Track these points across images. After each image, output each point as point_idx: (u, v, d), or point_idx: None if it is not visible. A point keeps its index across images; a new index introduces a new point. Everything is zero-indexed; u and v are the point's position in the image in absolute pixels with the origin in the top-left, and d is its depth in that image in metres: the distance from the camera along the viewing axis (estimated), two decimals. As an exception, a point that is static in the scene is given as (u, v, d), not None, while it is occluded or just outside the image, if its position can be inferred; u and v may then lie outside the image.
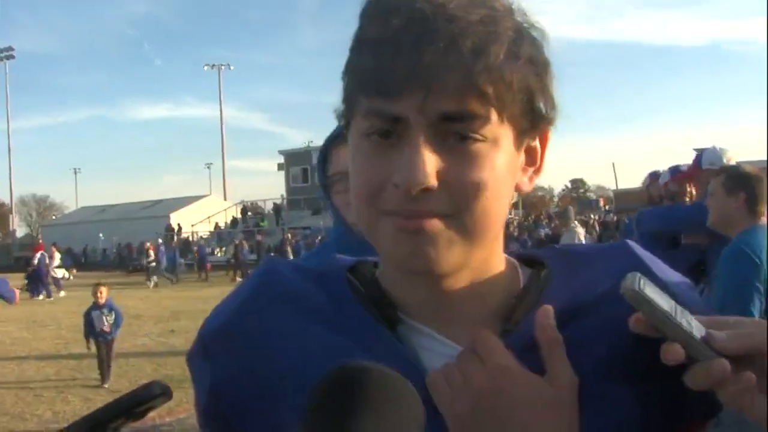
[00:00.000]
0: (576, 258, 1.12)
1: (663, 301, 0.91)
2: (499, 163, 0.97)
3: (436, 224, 0.96)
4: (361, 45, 0.98)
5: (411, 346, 1.04)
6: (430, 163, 0.93)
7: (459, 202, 0.96)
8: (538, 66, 0.99)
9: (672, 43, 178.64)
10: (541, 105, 1.00)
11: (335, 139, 2.65)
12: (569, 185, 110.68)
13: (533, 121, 1.01)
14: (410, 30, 0.92)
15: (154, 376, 10.70)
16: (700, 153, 6.08)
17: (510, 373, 0.96)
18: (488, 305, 1.06)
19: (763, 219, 4.56)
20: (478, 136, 0.95)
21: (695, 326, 0.91)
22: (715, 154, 6.00)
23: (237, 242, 42.84)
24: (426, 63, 0.91)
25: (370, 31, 0.97)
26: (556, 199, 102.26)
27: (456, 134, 0.95)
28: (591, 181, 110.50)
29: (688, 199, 7.05)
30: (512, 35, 0.95)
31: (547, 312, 0.99)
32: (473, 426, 0.95)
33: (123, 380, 10.80)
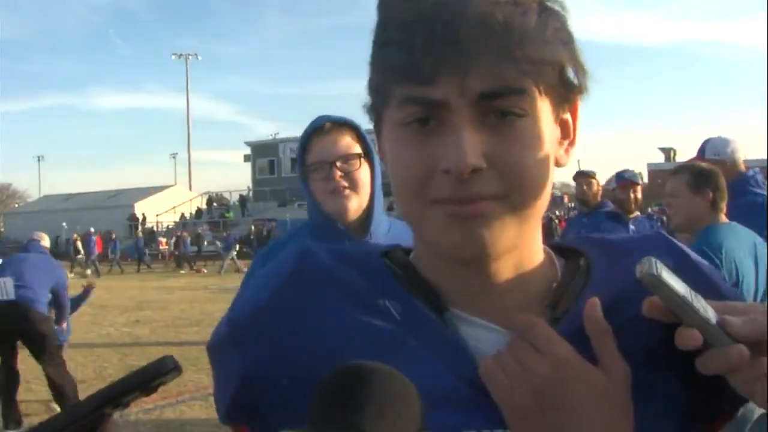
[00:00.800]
0: (614, 248, 1.10)
1: (679, 286, 0.90)
2: (542, 138, 0.97)
3: (489, 206, 0.94)
4: (388, 33, 0.97)
5: (460, 335, 1.00)
6: (477, 144, 0.92)
7: (509, 180, 0.94)
8: (566, 35, 0.98)
9: (637, 44, 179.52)
10: (572, 74, 1.00)
11: (315, 130, 2.66)
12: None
13: (567, 92, 1.00)
14: (440, 12, 0.91)
15: (119, 366, 10.65)
16: (706, 142, 5.81)
17: (569, 364, 0.94)
18: (531, 293, 1.04)
19: (722, 215, 4.58)
20: (519, 110, 0.94)
21: (710, 312, 0.91)
22: (720, 144, 5.73)
23: (179, 234, 42.37)
24: (461, 43, 0.90)
25: (397, 18, 0.95)
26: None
27: (497, 112, 0.93)
28: (555, 177, 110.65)
29: (633, 206, 7.08)
30: (537, 7, 0.95)
31: (596, 303, 0.98)
32: (535, 418, 0.93)
33: (88, 370, 10.73)
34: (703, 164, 4.94)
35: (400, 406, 0.77)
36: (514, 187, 0.95)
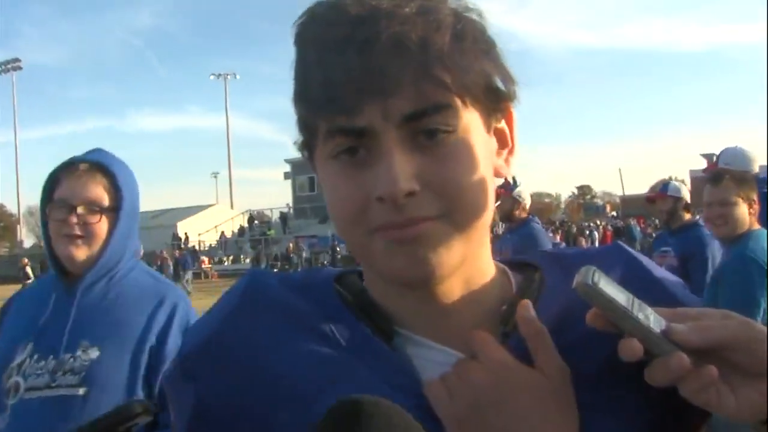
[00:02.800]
0: (569, 261, 1.08)
1: (620, 295, 0.88)
2: (475, 151, 0.95)
3: (430, 227, 0.93)
4: (305, 67, 0.96)
5: (407, 357, 1.00)
6: (408, 167, 0.91)
7: (447, 200, 0.93)
8: (486, 45, 0.97)
9: (675, 49, 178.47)
10: (499, 83, 0.98)
11: (68, 167, 2.56)
12: (576, 191, 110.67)
13: (495, 101, 0.99)
14: (351, 37, 0.90)
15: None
16: (722, 151, 5.92)
17: (505, 368, 0.94)
18: (483, 311, 1.03)
19: (755, 221, 4.63)
20: (447, 128, 0.93)
21: (654, 320, 0.88)
22: (735, 153, 5.83)
23: (159, 253, 42.12)
24: (377, 67, 0.89)
25: (311, 51, 0.95)
26: (563, 206, 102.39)
27: (425, 132, 0.92)
28: (597, 187, 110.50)
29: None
30: (452, 20, 0.93)
31: (527, 305, 0.98)
32: (477, 426, 0.93)
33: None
34: (740, 171, 5.02)
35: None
36: (454, 206, 0.94)
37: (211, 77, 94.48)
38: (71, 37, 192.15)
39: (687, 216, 6.82)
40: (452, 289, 1.01)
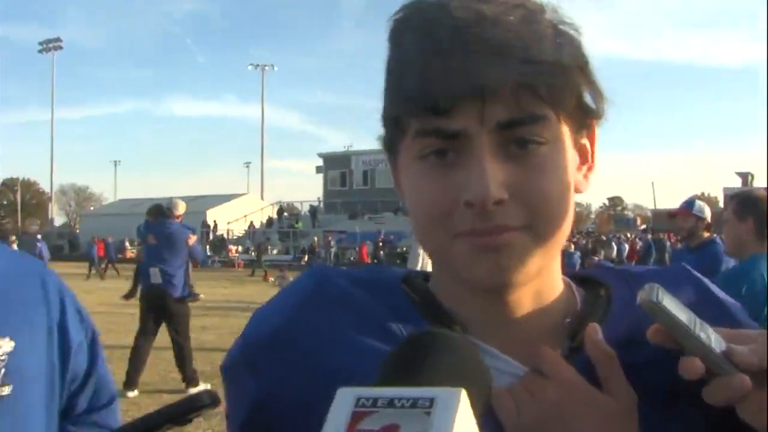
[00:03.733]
0: (636, 279, 1.08)
1: (682, 314, 0.88)
2: (563, 165, 0.96)
3: (514, 237, 0.93)
4: (403, 63, 0.95)
5: None
6: (499, 174, 0.91)
7: (532, 211, 0.94)
8: (581, 60, 0.97)
9: (714, 65, 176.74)
10: (589, 99, 0.99)
11: None
12: (607, 202, 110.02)
13: (584, 117, 1.00)
14: (457, 40, 0.90)
15: (176, 372, 10.69)
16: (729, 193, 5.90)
17: (574, 387, 0.93)
18: (550, 324, 1.03)
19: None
20: (539, 139, 0.93)
21: (714, 339, 0.88)
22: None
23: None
24: (479, 71, 0.89)
25: (413, 47, 0.94)
26: (593, 216, 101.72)
27: (517, 141, 0.93)
28: (629, 199, 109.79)
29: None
30: (552, 32, 0.94)
31: (596, 328, 0.97)
32: None
33: (153, 373, 10.83)
34: (755, 190, 4.96)
35: (472, 371, 0.76)
36: (538, 217, 0.94)
37: (249, 67, 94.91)
38: (112, 19, 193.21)
39: (706, 234, 6.85)
40: (522, 299, 1.01)
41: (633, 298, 0.98)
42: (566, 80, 0.93)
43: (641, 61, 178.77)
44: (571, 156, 0.99)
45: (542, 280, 1.02)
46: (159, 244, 10.31)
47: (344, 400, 0.71)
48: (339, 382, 0.87)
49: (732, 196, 5.01)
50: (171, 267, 10.17)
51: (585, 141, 1.04)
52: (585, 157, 1.05)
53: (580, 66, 0.96)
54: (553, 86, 0.92)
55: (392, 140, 1.03)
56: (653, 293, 0.87)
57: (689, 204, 6.94)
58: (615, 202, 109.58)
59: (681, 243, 6.82)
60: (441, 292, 1.06)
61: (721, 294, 1.08)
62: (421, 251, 12.48)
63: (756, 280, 4.29)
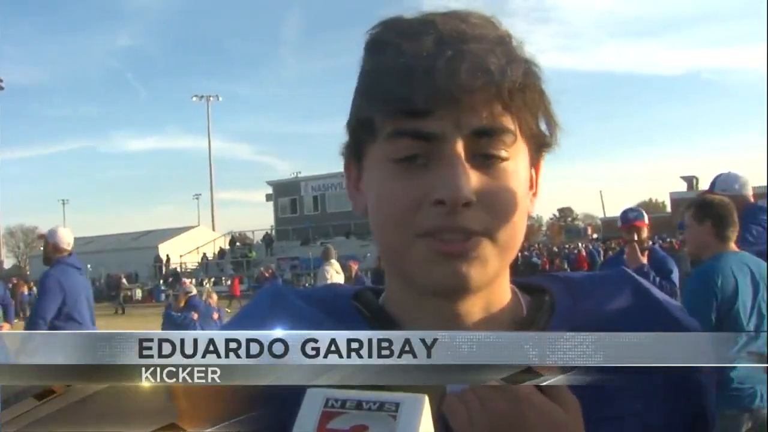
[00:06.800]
0: (577, 285, 1.13)
1: None
2: (521, 181, 1.02)
3: (475, 244, 0.97)
4: (385, 67, 0.99)
5: None
6: (471, 177, 0.95)
7: (493, 218, 0.98)
8: (541, 90, 1.03)
9: (652, 72, 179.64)
10: (544, 126, 1.04)
11: None
12: (557, 214, 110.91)
13: (540, 143, 1.06)
14: (441, 48, 0.96)
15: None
16: (716, 177, 6.11)
17: (525, 397, 0.94)
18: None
19: (732, 245, 4.92)
20: (504, 154, 0.98)
21: None
22: (728, 179, 6.02)
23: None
24: (460, 78, 0.94)
25: (396, 52, 0.98)
26: (544, 228, 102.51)
27: (484, 154, 0.97)
28: (579, 209, 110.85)
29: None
30: (524, 62, 1.01)
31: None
32: None
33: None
34: (710, 196, 5.36)
35: None
36: (499, 225, 0.98)
37: (194, 98, 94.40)
38: (53, 58, 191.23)
39: None
40: (474, 306, 1.04)
41: (574, 305, 1.04)
42: (531, 102, 1.00)
43: (581, 72, 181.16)
44: (526, 176, 1.04)
45: (494, 288, 1.06)
46: None
47: (314, 400, 0.74)
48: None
49: (690, 203, 5.40)
50: None
51: (532, 170, 1.08)
52: (532, 183, 1.09)
53: (540, 94, 1.02)
54: (521, 104, 0.98)
55: (358, 145, 1.06)
56: None
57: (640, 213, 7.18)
58: (565, 213, 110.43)
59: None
60: (392, 302, 1.09)
61: (661, 295, 1.12)
62: (329, 275, 12.55)
63: (728, 275, 4.70)
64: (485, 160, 0.98)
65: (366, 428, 0.72)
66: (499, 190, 0.98)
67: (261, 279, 35.77)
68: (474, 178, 0.96)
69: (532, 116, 1.01)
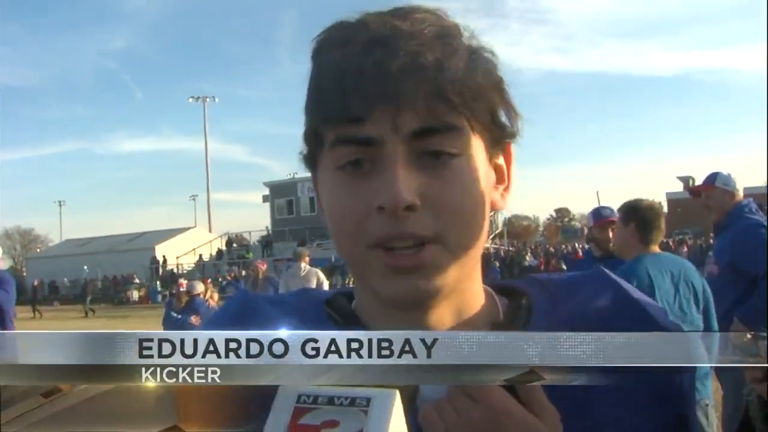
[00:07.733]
0: (555, 287, 1.11)
1: None
2: (476, 177, 0.98)
3: (426, 255, 0.95)
4: (322, 77, 0.99)
5: None
6: (411, 181, 0.93)
7: (442, 221, 0.95)
8: (496, 79, 1.00)
9: (647, 73, 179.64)
10: (504, 118, 1.02)
11: None
12: (554, 214, 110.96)
13: (499, 135, 1.02)
14: (372, 51, 0.94)
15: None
16: (714, 174, 6.09)
17: (502, 407, 0.91)
18: None
19: (654, 247, 5.17)
20: (452, 150, 0.96)
21: None
22: (729, 177, 6.04)
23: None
24: (393, 80, 0.92)
25: (330, 61, 0.97)
26: (541, 228, 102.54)
27: (430, 153, 0.95)
28: (576, 209, 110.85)
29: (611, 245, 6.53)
30: (466, 49, 0.98)
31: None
32: None
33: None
34: (639, 200, 5.59)
35: None
36: (449, 228, 0.96)
37: (190, 100, 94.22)
38: (47, 60, 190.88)
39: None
40: (444, 312, 1.03)
41: (552, 306, 1.03)
42: (479, 94, 0.97)
43: (577, 72, 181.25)
44: (485, 170, 1.01)
45: (462, 293, 1.04)
46: None
47: (286, 396, 0.75)
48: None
49: (621, 206, 5.67)
50: None
51: (501, 161, 1.06)
52: (501, 177, 1.07)
53: (495, 84, 1.00)
54: (466, 98, 0.95)
55: (312, 154, 1.05)
56: None
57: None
58: (562, 213, 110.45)
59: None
60: (363, 308, 1.08)
61: (640, 296, 1.11)
62: (282, 280, 12.45)
63: (642, 277, 4.91)
64: (434, 159, 0.95)
65: (337, 423, 0.74)
66: (448, 190, 0.95)
67: (223, 282, 34.41)
68: (417, 181, 0.94)
69: (485, 108, 0.98)
